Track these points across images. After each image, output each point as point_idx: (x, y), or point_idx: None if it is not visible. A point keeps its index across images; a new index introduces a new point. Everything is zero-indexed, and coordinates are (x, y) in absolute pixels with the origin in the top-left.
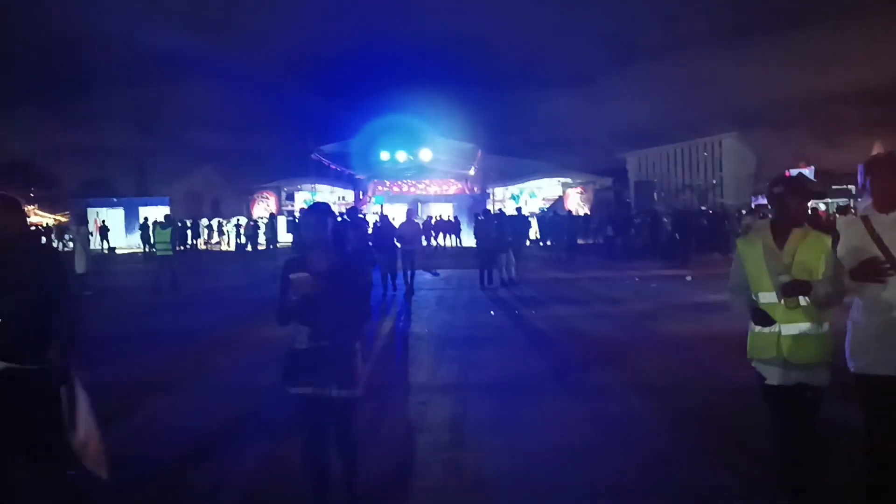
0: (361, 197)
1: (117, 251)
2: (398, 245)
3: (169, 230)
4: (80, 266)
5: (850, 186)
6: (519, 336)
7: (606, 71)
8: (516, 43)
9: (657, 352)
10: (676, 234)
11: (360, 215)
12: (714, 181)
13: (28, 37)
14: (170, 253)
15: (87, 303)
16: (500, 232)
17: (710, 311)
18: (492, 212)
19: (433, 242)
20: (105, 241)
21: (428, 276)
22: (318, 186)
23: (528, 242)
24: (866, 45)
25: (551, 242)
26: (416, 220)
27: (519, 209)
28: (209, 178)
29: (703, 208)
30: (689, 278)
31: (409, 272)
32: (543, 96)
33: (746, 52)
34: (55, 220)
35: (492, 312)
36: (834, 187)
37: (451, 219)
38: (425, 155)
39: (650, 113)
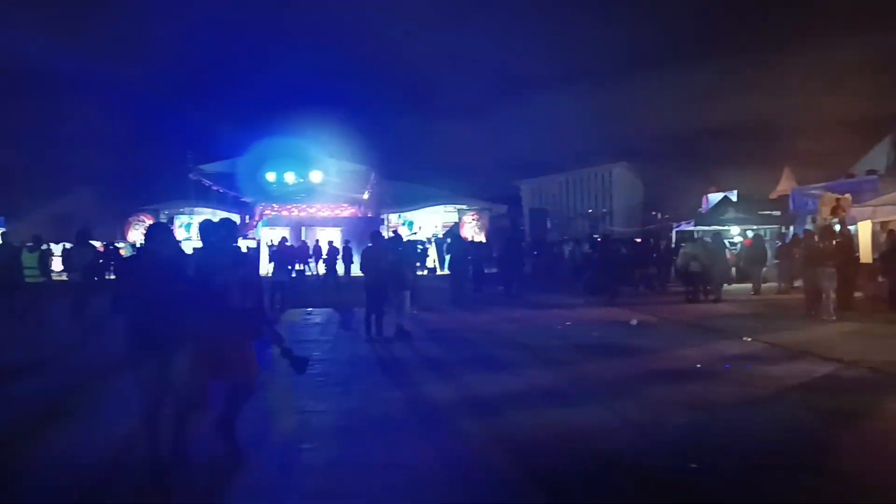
0: (248, 221)
1: None
2: None
3: (37, 254)
4: None
5: (774, 213)
6: (419, 459)
7: (496, 101)
8: (409, 69)
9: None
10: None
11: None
12: (604, 209)
13: None
14: (40, 280)
15: None
16: (396, 263)
17: (711, 385)
18: (384, 236)
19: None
20: None
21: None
22: (199, 210)
23: (424, 272)
24: (732, 84)
25: (453, 271)
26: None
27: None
28: (83, 199)
29: (617, 237)
30: (634, 322)
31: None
32: (437, 124)
33: (628, 87)
34: None
35: (377, 395)
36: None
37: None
38: (315, 177)
39: (540, 143)
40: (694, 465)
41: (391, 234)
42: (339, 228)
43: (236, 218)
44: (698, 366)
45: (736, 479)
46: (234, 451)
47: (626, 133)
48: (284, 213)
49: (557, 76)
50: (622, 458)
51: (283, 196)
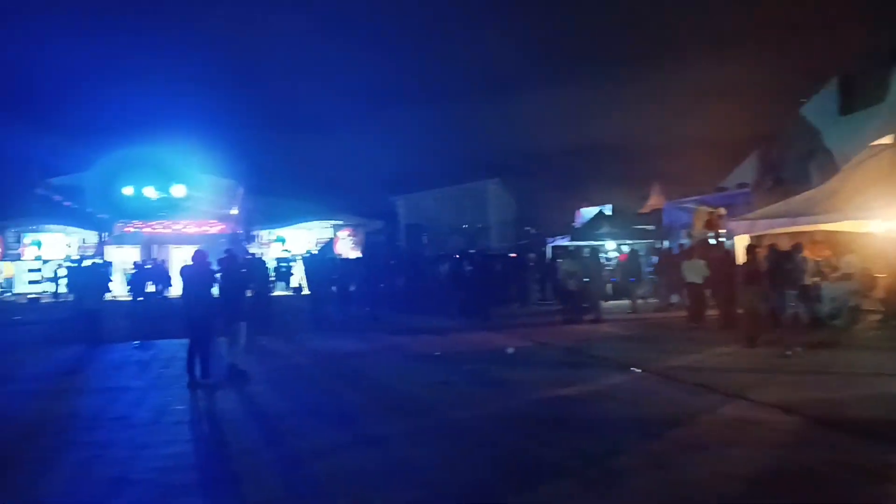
0: (106, 238)
1: None
2: None
3: None
4: None
5: (648, 227)
6: None
7: (371, 116)
8: (279, 81)
9: None
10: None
11: None
12: (480, 225)
13: None
14: None
15: None
16: (229, 287)
17: (604, 437)
18: (206, 254)
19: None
20: None
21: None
22: (48, 227)
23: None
24: (600, 103)
25: (315, 291)
26: None
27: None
28: None
29: (496, 252)
30: (511, 350)
31: None
32: (311, 137)
33: (499, 105)
34: None
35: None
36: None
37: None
38: (178, 191)
39: (416, 158)
40: None
41: (224, 253)
42: (196, 247)
43: (92, 236)
44: (588, 410)
45: None
46: None
47: (497, 149)
48: (146, 230)
49: (431, 93)
50: None
51: (146, 212)
